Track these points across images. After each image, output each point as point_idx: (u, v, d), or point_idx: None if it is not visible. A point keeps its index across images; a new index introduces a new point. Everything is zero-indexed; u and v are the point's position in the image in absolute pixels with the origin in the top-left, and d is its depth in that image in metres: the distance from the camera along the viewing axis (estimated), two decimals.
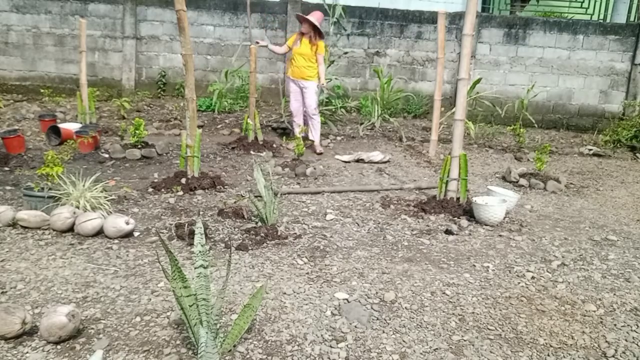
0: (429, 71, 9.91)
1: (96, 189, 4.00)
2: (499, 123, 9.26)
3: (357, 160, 6.31)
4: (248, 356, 2.36)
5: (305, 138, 6.60)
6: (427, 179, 5.70)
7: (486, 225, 4.27)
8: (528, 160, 6.96)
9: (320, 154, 6.66)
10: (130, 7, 9.63)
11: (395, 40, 9.85)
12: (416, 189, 5.30)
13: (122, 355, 2.32)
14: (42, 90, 9.06)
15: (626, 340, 2.66)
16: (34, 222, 3.67)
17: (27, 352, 2.31)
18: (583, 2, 10.58)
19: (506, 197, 4.51)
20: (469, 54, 4.46)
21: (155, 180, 4.96)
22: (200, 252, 2.30)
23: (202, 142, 6.04)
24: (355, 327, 2.65)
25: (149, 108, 9.00)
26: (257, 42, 6.96)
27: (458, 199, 4.60)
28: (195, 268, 2.29)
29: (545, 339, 2.64)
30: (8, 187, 4.59)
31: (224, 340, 2.35)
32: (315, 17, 6.53)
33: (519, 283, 3.26)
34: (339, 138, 7.70)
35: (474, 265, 3.48)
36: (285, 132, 7.72)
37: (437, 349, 2.51)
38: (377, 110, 8.35)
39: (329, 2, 9.20)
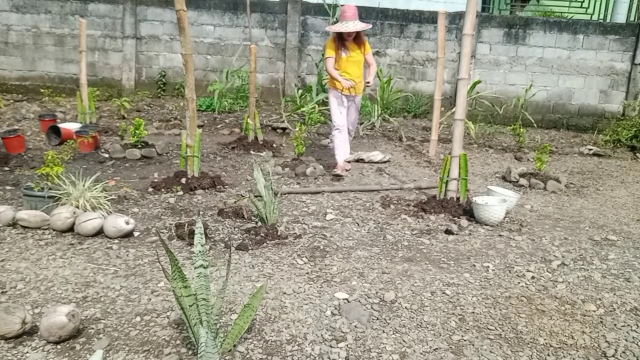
0: (429, 71, 9.91)
1: (96, 188, 4.00)
2: (499, 123, 9.26)
3: (357, 160, 6.30)
4: (248, 356, 2.36)
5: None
6: (427, 178, 5.70)
7: (486, 225, 4.27)
8: (528, 160, 6.95)
9: (347, 170, 5.77)
10: (130, 7, 9.63)
11: (395, 40, 9.85)
12: (416, 188, 5.30)
13: (122, 355, 2.32)
14: (42, 90, 9.06)
15: (626, 340, 2.66)
16: (34, 222, 3.67)
17: (27, 352, 2.32)
18: (583, 2, 10.58)
19: (506, 197, 4.51)
20: (469, 54, 4.46)
21: (155, 180, 4.97)
22: (200, 252, 2.30)
23: (202, 142, 6.04)
24: (355, 327, 2.65)
25: (149, 108, 9.00)
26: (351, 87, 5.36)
27: (458, 198, 4.60)
28: (195, 268, 2.29)
29: (545, 339, 2.64)
30: (8, 187, 4.59)
31: (224, 340, 2.35)
32: (355, 19, 5.25)
33: (519, 283, 3.26)
34: None
35: (474, 265, 3.48)
36: (286, 132, 7.72)
37: (437, 348, 2.51)
38: (377, 110, 8.36)
39: (329, 2, 9.22)
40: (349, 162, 6.07)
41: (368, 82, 5.52)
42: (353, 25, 5.23)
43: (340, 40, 5.36)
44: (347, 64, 5.42)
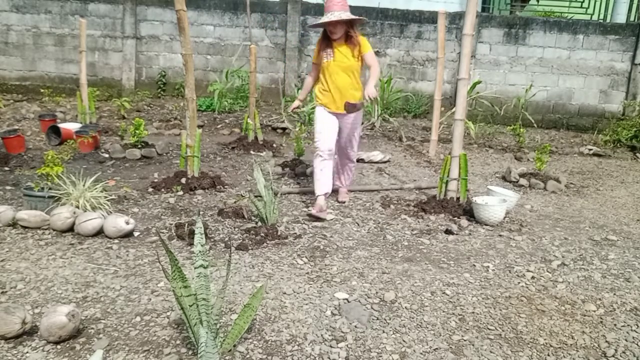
0: (429, 71, 9.91)
1: (96, 188, 4.00)
2: (499, 123, 9.26)
3: (357, 160, 6.30)
4: (248, 356, 2.36)
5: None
6: (427, 178, 5.70)
7: (486, 225, 4.27)
8: (528, 160, 6.96)
9: (343, 202, 4.66)
10: (130, 7, 9.64)
11: (395, 40, 9.85)
12: (416, 188, 5.30)
13: (122, 355, 2.32)
14: (42, 90, 9.07)
15: (626, 340, 2.66)
16: (34, 222, 3.67)
17: (27, 352, 2.31)
18: (583, 2, 10.58)
19: (506, 197, 4.51)
20: (469, 54, 4.46)
21: (155, 180, 4.97)
22: (200, 252, 2.30)
23: (202, 142, 6.04)
24: (355, 327, 2.65)
25: (149, 108, 9.00)
26: (294, 109, 4.70)
27: (458, 198, 4.60)
28: (195, 268, 2.29)
29: (545, 339, 2.64)
30: (8, 187, 4.59)
31: (224, 340, 2.35)
32: (342, 10, 4.08)
33: (519, 283, 3.26)
34: None
35: (474, 265, 3.48)
36: (286, 132, 7.72)
37: (437, 348, 2.51)
38: (377, 110, 8.36)
39: None
40: (348, 192, 4.87)
41: (368, 96, 4.08)
42: (336, 15, 4.03)
43: (327, 40, 4.24)
44: (331, 72, 4.22)
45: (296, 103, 4.58)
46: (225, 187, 4.96)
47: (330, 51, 4.22)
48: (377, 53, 9.79)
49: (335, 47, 4.22)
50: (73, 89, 9.15)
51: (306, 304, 2.84)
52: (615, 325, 2.80)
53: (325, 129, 4.30)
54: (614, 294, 3.17)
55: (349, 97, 4.24)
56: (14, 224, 3.70)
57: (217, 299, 2.34)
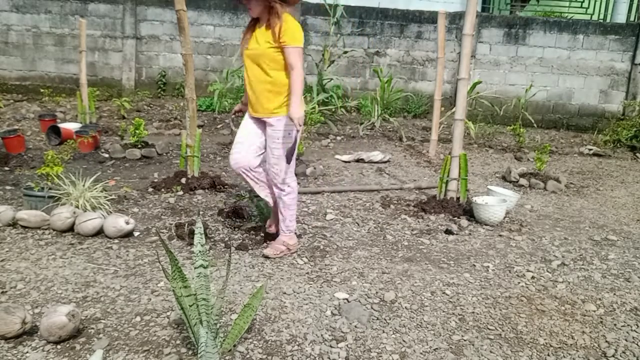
0: (429, 71, 9.91)
1: (96, 188, 4.00)
2: (499, 123, 9.26)
3: (357, 160, 6.31)
4: (248, 356, 2.36)
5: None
6: (427, 178, 5.70)
7: (486, 225, 4.27)
8: (528, 160, 6.96)
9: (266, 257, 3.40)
10: (130, 7, 9.64)
11: (395, 40, 9.85)
12: (416, 188, 5.30)
13: (122, 355, 2.32)
14: (42, 90, 9.07)
15: (626, 340, 2.66)
16: (34, 222, 3.67)
17: (27, 352, 2.31)
18: (583, 2, 10.58)
19: (506, 197, 4.51)
20: (469, 54, 4.46)
21: (155, 180, 4.96)
22: (200, 251, 2.30)
23: (202, 142, 6.04)
24: (355, 327, 2.65)
25: (149, 108, 9.00)
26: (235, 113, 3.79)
27: (458, 198, 4.60)
28: (195, 268, 2.29)
29: (545, 339, 2.64)
30: (8, 187, 4.59)
31: (224, 340, 2.35)
32: None
33: (519, 283, 3.26)
34: (339, 138, 7.70)
35: (474, 265, 3.48)
36: None
37: (437, 348, 2.51)
38: (377, 110, 8.36)
39: (329, 2, 9.21)
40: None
41: (298, 124, 3.16)
42: None
43: (251, 26, 3.30)
44: (245, 64, 3.31)
45: (237, 107, 3.70)
46: (225, 187, 4.95)
47: (248, 37, 3.26)
48: (377, 53, 9.82)
49: (256, 31, 3.25)
50: (73, 89, 9.15)
51: (306, 304, 2.84)
52: (615, 325, 2.81)
53: (241, 139, 3.42)
54: (614, 294, 3.17)
55: (262, 99, 3.25)
56: (14, 223, 3.70)
57: (217, 299, 2.34)
